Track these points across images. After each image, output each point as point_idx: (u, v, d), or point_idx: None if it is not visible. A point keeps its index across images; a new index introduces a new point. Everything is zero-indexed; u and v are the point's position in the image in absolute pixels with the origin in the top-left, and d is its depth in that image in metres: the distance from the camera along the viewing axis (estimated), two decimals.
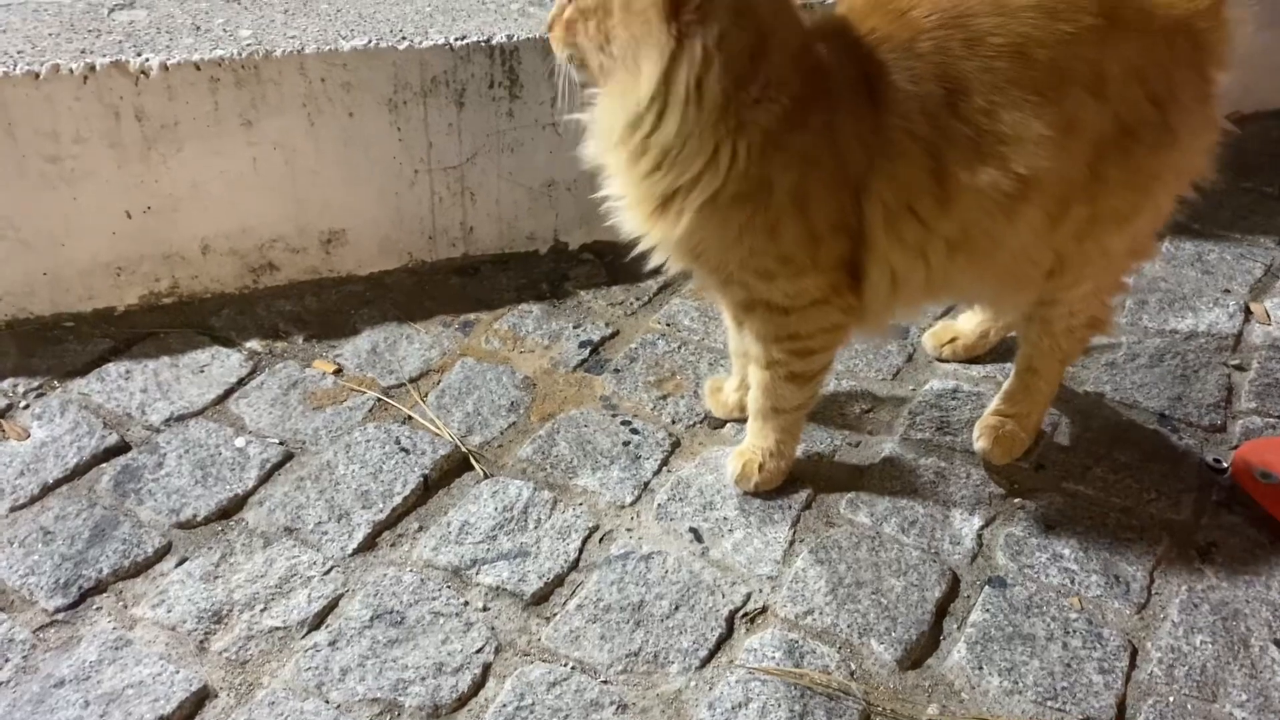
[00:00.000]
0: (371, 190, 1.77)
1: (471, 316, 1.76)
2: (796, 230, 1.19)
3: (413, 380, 1.61)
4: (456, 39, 1.71)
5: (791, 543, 1.35)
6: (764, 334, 1.31)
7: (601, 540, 1.35)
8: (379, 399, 1.56)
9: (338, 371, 1.62)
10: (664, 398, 1.59)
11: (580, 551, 1.33)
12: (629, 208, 1.22)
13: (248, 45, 1.62)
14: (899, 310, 1.36)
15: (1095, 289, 1.37)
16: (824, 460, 1.49)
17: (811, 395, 1.39)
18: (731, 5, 1.07)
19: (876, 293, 1.27)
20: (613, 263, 1.89)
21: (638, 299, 1.82)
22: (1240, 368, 1.69)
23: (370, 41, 1.66)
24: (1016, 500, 1.43)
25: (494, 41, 1.72)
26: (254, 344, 1.66)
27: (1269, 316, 1.81)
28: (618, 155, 1.18)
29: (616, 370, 1.65)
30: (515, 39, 1.73)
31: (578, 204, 1.89)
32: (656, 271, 1.31)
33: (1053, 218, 1.22)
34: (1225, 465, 1.49)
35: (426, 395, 1.58)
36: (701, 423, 1.55)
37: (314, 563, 1.30)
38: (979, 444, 1.48)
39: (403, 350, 1.67)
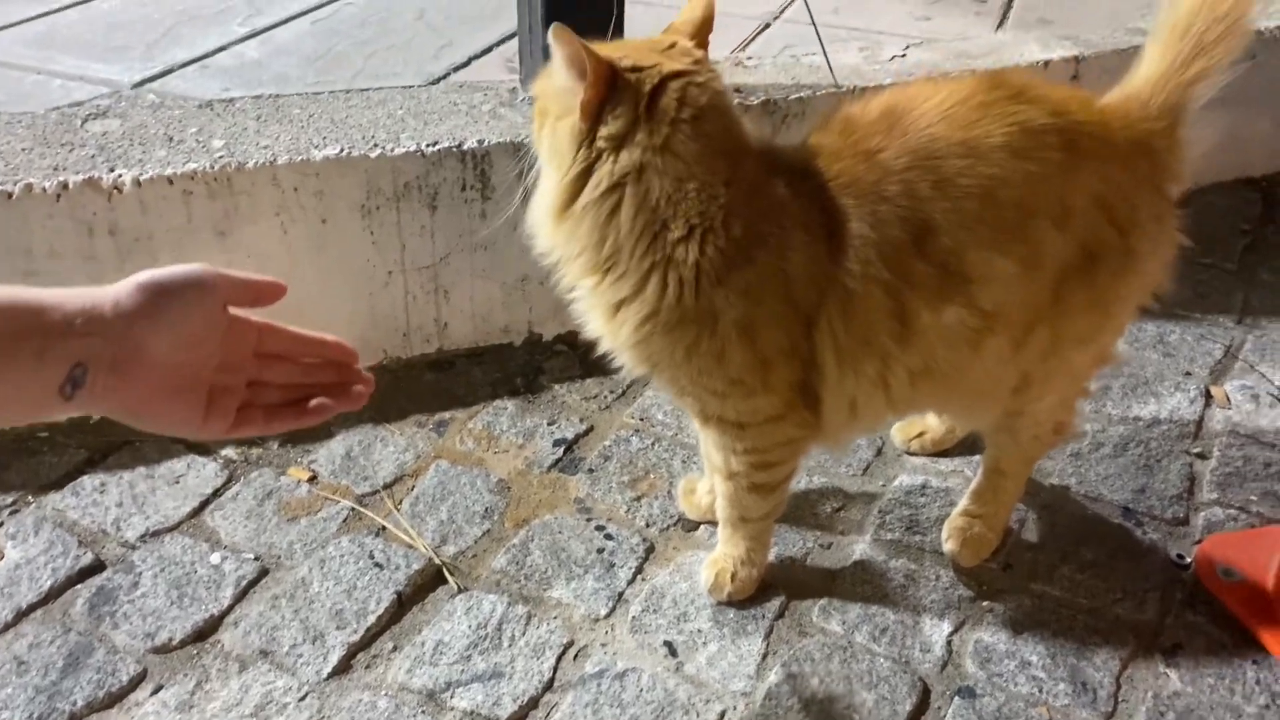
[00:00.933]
0: (345, 292, 1.79)
1: (446, 415, 1.78)
2: (744, 357, 1.21)
3: (387, 486, 1.62)
4: (428, 145, 1.73)
5: (765, 655, 1.37)
6: (722, 445, 1.33)
7: (576, 657, 1.36)
8: (353, 509, 1.57)
9: (312, 479, 1.63)
10: (638, 499, 1.61)
11: (555, 670, 1.34)
12: (589, 310, 1.25)
13: (220, 157, 1.64)
14: (861, 429, 1.39)
15: (1061, 399, 1.40)
16: (796, 564, 1.51)
17: (778, 504, 1.41)
18: (653, 145, 1.12)
19: (834, 417, 1.29)
20: (586, 354, 1.90)
21: (611, 392, 1.84)
22: (1202, 455, 1.72)
23: (342, 150, 1.69)
24: (985, 603, 1.45)
25: (465, 146, 1.75)
26: (229, 451, 1.67)
27: (1229, 400, 1.85)
28: (570, 263, 1.22)
29: (591, 470, 1.67)
30: (486, 143, 1.76)
31: (551, 297, 1.90)
32: None
33: (1017, 342, 1.25)
34: (1188, 561, 1.52)
35: (401, 502, 1.59)
36: (675, 525, 1.57)
37: (289, 688, 1.30)
38: (948, 546, 1.50)
39: (377, 454, 1.68)
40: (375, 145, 1.72)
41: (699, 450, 1.67)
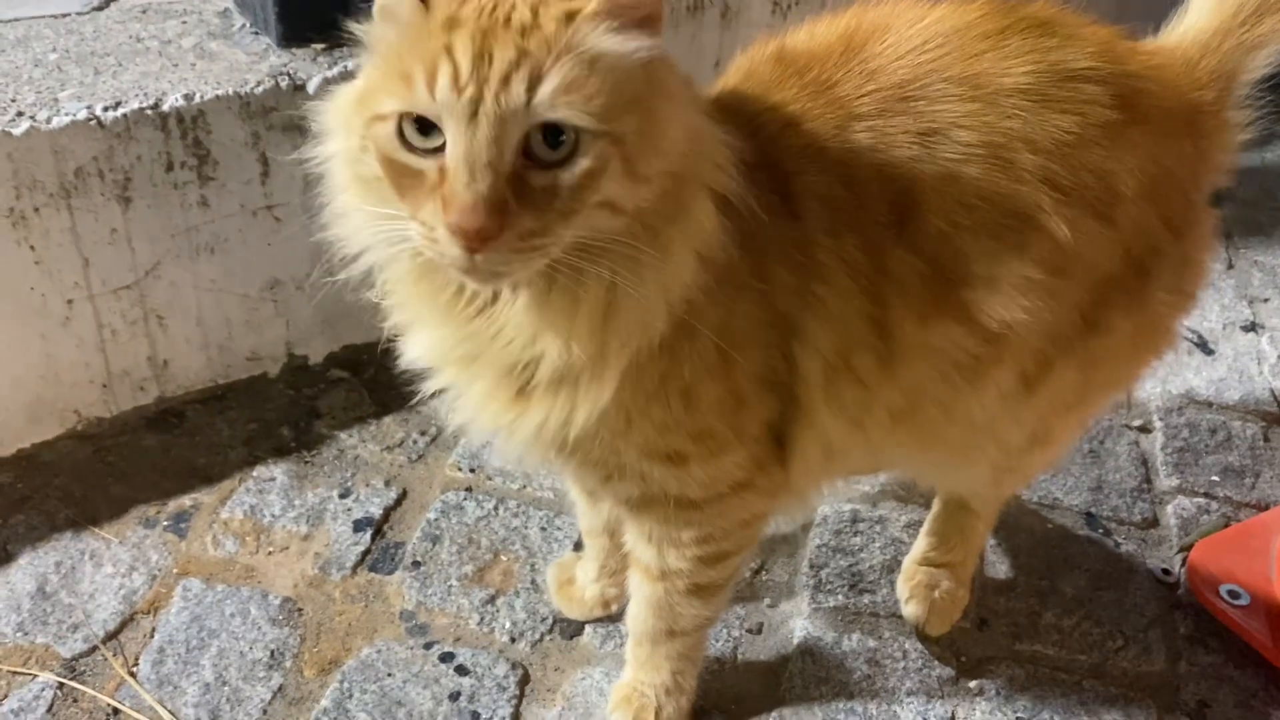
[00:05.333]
0: (2, 340, 1.18)
1: (186, 501, 1.23)
2: (717, 391, 0.82)
3: (111, 637, 1.08)
4: (106, 108, 1.14)
5: None
6: (659, 536, 0.91)
7: None
8: (61, 685, 1.02)
9: None
10: (491, 600, 1.15)
11: None
12: (477, 387, 0.79)
13: None
14: (831, 478, 1.01)
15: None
16: (726, 667, 1.11)
17: (720, 608, 1.00)
18: None
19: (807, 467, 0.90)
20: (375, 379, 1.40)
21: (422, 432, 1.34)
22: (1144, 429, 1.45)
23: None
24: (972, 684, 1.11)
25: (166, 106, 1.17)
26: None
27: None
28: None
29: (416, 564, 1.18)
30: (199, 99, 1.18)
31: (315, 304, 1.38)
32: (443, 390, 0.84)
33: (1030, 381, 0.89)
34: (1175, 575, 1.25)
35: (137, 662, 1.05)
36: (551, 632, 1.13)
37: None
38: (910, 609, 1.15)
39: (87, 581, 1.12)
40: (19, 114, 1.11)
41: (559, 508, 1.23)
